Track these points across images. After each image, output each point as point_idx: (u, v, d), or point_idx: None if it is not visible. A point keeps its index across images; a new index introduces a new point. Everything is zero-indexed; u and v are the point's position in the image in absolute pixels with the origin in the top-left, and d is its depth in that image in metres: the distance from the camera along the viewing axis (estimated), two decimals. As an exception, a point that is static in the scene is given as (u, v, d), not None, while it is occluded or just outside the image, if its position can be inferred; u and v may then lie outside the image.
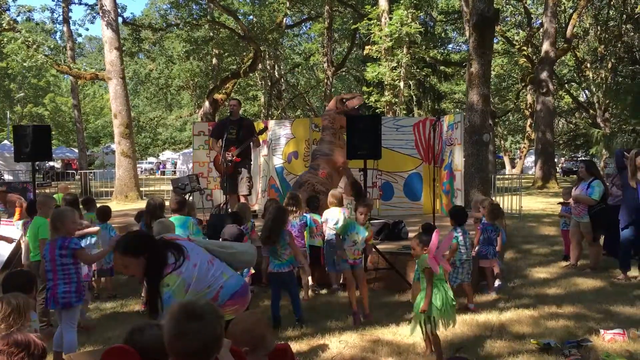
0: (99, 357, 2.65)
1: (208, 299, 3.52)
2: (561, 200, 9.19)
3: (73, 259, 4.74)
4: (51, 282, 4.72)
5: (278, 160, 11.57)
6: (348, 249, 5.79)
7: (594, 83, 34.03)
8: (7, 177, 29.39)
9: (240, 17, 27.03)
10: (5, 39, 21.57)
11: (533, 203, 16.96)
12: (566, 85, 37.25)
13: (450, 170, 10.36)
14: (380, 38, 22.13)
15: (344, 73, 37.92)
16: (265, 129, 10.37)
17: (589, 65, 34.57)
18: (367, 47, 24.33)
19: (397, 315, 5.88)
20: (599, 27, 33.08)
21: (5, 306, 3.08)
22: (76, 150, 34.23)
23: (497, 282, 7.00)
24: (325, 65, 28.86)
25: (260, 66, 30.83)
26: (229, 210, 8.19)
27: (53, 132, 45.02)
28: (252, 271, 6.26)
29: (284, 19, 28.80)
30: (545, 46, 24.03)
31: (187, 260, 3.51)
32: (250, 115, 37.24)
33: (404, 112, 26.42)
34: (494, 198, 12.36)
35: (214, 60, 30.11)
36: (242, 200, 9.14)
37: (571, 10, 28.64)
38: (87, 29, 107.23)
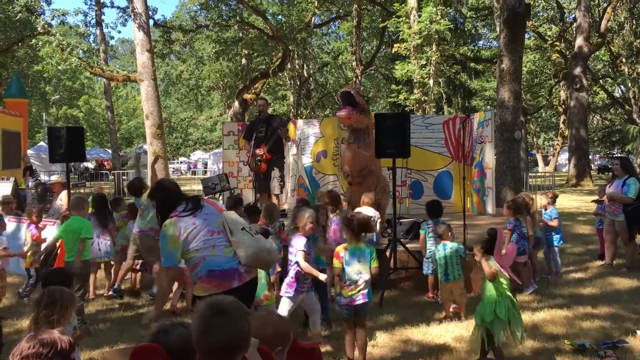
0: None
1: (194, 261, 3.70)
2: (596, 197, 9.00)
3: None
4: None
5: (307, 160, 11.59)
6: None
7: (629, 78, 33.29)
8: (44, 177, 30.06)
9: (269, 17, 27.12)
10: (40, 43, 22.06)
11: (567, 201, 16.61)
12: (601, 80, 36.45)
13: (481, 168, 10.25)
14: (409, 36, 21.95)
15: (372, 71, 37.72)
16: (288, 121, 10.35)
17: (624, 59, 33.81)
18: (395, 45, 24.13)
19: (427, 315, 5.84)
20: (634, 21, 32.33)
21: (47, 297, 3.13)
22: (109, 151, 34.84)
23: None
24: (354, 63, 28.68)
25: (289, 66, 30.85)
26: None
27: (87, 134, 46.14)
28: (278, 269, 6.24)
29: (313, 18, 28.81)
30: (579, 41, 23.52)
31: (193, 217, 3.73)
32: (280, 115, 37.41)
33: (434, 110, 26.16)
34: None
35: (244, 61, 30.28)
36: (274, 199, 9.13)
37: (605, 4, 27.96)
38: (119, 32, 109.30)
